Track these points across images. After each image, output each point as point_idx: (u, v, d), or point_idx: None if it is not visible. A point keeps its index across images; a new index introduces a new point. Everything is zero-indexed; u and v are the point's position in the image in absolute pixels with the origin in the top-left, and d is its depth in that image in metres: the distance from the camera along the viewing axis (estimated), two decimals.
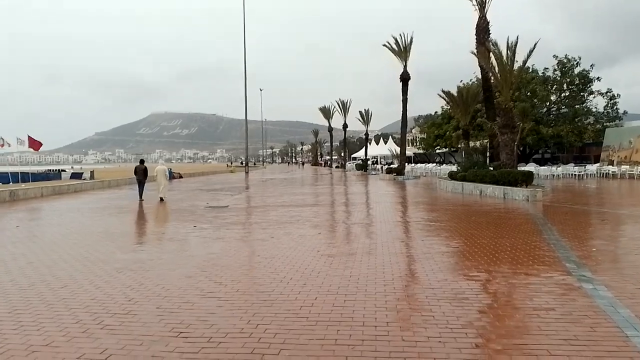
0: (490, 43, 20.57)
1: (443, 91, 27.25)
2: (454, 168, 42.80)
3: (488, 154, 25.62)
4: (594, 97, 41.19)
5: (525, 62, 20.02)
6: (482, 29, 24.00)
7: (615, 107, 40.99)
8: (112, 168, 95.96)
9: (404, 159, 39.25)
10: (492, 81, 24.18)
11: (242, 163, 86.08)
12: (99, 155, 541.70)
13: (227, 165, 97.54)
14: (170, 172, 41.99)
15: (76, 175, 34.53)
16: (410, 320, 4.52)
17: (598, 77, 40.63)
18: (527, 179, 18.17)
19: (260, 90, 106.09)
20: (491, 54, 20.80)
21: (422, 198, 19.76)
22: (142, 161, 21.18)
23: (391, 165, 53.24)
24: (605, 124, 40.07)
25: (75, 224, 12.51)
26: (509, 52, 20.07)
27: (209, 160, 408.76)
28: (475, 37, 24.41)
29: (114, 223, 12.61)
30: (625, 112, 41.85)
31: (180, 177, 45.05)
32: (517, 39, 19.61)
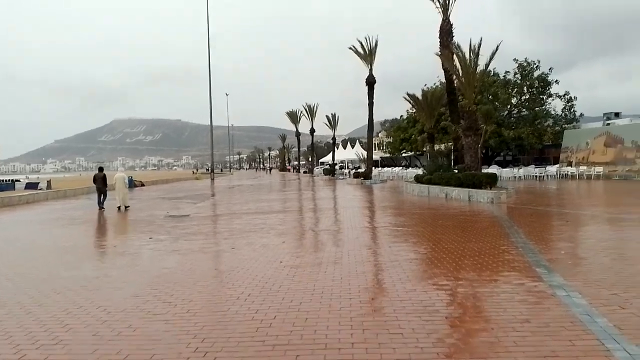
0: (454, 46, 20.69)
1: (408, 94, 27.33)
2: (419, 171, 43.24)
3: (453, 157, 25.80)
4: (553, 99, 42.46)
5: (487, 65, 20.23)
6: (446, 31, 24.16)
7: (572, 109, 42.37)
8: (71, 177, 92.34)
9: (370, 163, 39.23)
10: (455, 84, 24.38)
11: (207, 170, 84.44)
12: (58, 164, 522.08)
13: (193, 172, 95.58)
14: (131, 180, 40.53)
15: (31, 186, 32.67)
16: (377, 339, 4.11)
17: (556, 80, 41.88)
18: (491, 181, 18.27)
19: (227, 95, 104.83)
20: (455, 56, 20.91)
21: (389, 202, 19.57)
22: (101, 169, 20.73)
23: (358, 170, 53.33)
24: (563, 126, 41.31)
25: (20, 238, 11.56)
26: (471, 54, 20.21)
27: (174, 168, 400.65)
28: (439, 39, 24.55)
29: (64, 236, 11.75)
30: (581, 115, 43.31)
31: (142, 185, 43.56)
32: (481, 41, 19.78)
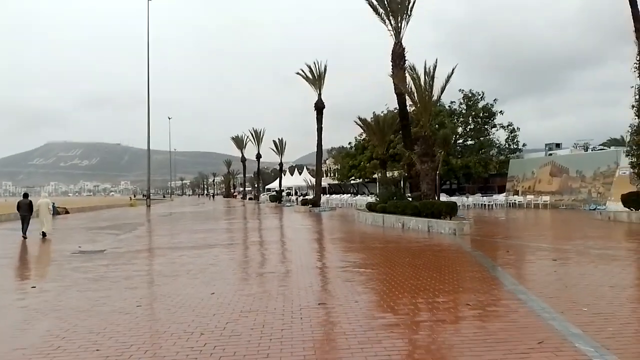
0: (409, 68, 19.49)
1: (360, 118, 25.99)
2: (369, 199, 41.80)
3: (406, 184, 24.46)
4: (497, 130, 43.01)
5: (443, 88, 19.04)
6: (398, 54, 23.12)
7: (515, 139, 43.09)
8: None
9: (319, 189, 37.47)
10: (409, 108, 23.28)
11: (143, 195, 79.23)
12: None
13: (130, 198, 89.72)
14: (54, 207, 36.18)
15: None
16: None
17: (501, 111, 42.54)
18: (451, 211, 16.82)
19: (169, 118, 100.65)
20: (409, 78, 19.68)
21: (343, 233, 17.63)
22: (25, 195, 19.41)
23: (306, 197, 51.40)
24: (508, 156, 41.79)
25: None
26: (426, 77, 19.10)
27: (112, 193, 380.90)
28: (391, 63, 23.47)
29: None
30: (524, 145, 44.14)
31: (67, 212, 39.08)
32: (436, 62, 18.72)
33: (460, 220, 15.88)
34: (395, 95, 23.46)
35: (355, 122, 26.82)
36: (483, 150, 42.19)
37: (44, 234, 17.32)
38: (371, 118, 26.98)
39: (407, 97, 19.63)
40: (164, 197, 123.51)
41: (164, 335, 5.05)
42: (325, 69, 37.23)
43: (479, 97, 43.23)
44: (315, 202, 35.62)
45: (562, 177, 33.38)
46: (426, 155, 19.04)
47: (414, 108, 20.64)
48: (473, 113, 42.89)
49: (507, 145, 42.99)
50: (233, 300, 6.59)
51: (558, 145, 42.49)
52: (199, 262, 10.29)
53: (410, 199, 21.18)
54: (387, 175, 25.55)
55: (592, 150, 36.54)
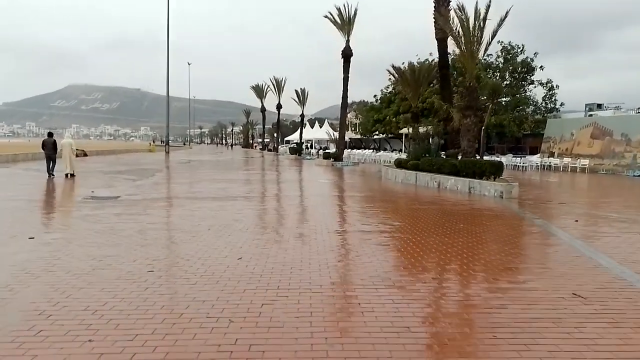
0: (457, 8, 17.24)
1: (393, 67, 23.90)
2: (394, 155, 40.22)
3: (441, 141, 22.67)
4: (535, 87, 40.19)
5: (495, 33, 16.85)
6: None
7: (553, 98, 40.32)
8: (17, 143, 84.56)
9: (343, 143, 35.83)
10: (451, 56, 21.18)
11: (162, 142, 78.67)
12: (6, 128, 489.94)
13: (149, 144, 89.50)
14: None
15: None
16: None
17: (541, 66, 39.54)
18: (496, 171, 15.20)
19: (189, 64, 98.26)
20: (457, 20, 17.49)
21: (371, 191, 16.24)
22: (50, 134, 19.66)
23: (326, 150, 49.81)
24: (545, 115, 39.27)
25: None
26: (476, 21, 16.94)
27: (132, 138, 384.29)
28: (433, 3, 21.16)
29: None
30: (562, 104, 41.35)
31: (85, 154, 38.43)
32: (490, 2, 16.49)
33: (506, 182, 14.29)
34: (436, 41, 21.22)
35: (388, 70, 24.76)
36: (519, 107, 39.61)
37: (67, 175, 17.43)
38: (404, 67, 24.85)
39: (453, 41, 17.51)
40: (184, 144, 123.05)
41: (180, 320, 3.79)
42: (355, 13, 34.55)
43: (519, 50, 40.15)
44: (337, 156, 34.08)
45: (604, 140, 31.06)
46: (470, 109, 17.19)
47: (458, 55, 18.57)
48: (511, 67, 39.99)
49: (544, 104, 40.30)
50: (266, 270, 5.30)
51: (600, 106, 39.77)
52: (221, 217, 9.05)
53: (443, 157, 19.57)
54: (420, 130, 23.72)
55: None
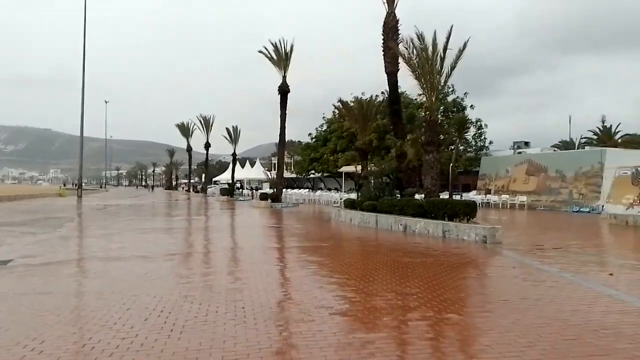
0: (416, 37, 16.03)
1: (340, 101, 22.42)
2: (334, 194, 38.64)
3: (394, 180, 21.07)
4: (468, 126, 41.01)
5: (456, 61, 15.76)
6: (391, 27, 19.87)
7: (482, 136, 41.38)
8: None
9: (281, 182, 33.50)
10: (402, 92, 20.07)
11: (74, 185, 71.25)
12: None
13: (60, 188, 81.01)
14: None
15: None
16: None
17: (471, 105, 40.59)
18: (471, 212, 13.70)
19: (106, 102, 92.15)
20: (411, 52, 16.27)
21: (331, 240, 14.03)
22: None
23: (259, 190, 47.15)
24: (478, 153, 40.00)
25: None
26: (434, 51, 15.87)
27: (39, 182, 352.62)
28: (382, 37, 20.18)
29: None
30: (491, 142, 42.48)
31: None
32: (451, 29, 15.52)
33: (489, 224, 12.77)
34: (386, 75, 20.16)
35: (334, 105, 23.25)
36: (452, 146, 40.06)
37: None
38: (356, 100, 23.52)
39: (411, 73, 16.20)
40: (101, 187, 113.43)
41: None
42: (291, 49, 33.24)
43: (449, 90, 41.03)
44: (276, 197, 31.66)
45: (540, 177, 31.69)
46: (431, 144, 15.82)
47: (419, 91, 17.35)
48: (442, 107, 40.64)
49: (474, 142, 41.19)
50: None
51: (527, 144, 41.27)
52: (159, 290, 6.31)
53: (398, 197, 18.02)
54: (368, 168, 22.13)
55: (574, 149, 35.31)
